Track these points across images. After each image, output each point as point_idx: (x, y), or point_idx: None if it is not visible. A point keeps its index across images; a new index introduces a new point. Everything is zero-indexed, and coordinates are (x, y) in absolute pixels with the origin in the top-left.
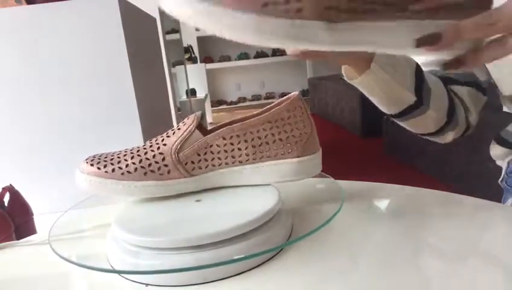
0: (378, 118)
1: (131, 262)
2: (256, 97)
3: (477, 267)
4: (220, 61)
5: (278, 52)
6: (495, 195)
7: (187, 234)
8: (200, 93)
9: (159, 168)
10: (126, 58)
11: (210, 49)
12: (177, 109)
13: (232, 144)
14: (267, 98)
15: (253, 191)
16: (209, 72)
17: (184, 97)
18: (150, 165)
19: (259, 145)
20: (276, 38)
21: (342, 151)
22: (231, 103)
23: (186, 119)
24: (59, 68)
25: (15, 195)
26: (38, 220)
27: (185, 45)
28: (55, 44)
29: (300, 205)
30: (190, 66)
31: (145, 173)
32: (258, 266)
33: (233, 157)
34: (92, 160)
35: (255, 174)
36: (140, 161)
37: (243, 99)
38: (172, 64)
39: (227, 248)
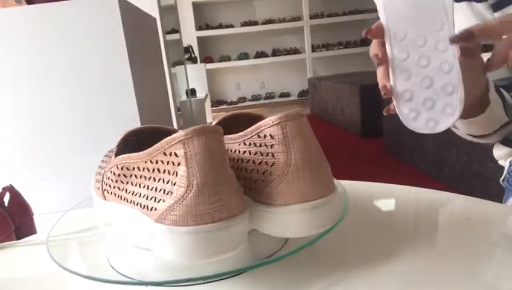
0: (378, 118)
1: (133, 263)
2: (256, 97)
3: (476, 266)
4: (220, 61)
5: (278, 52)
6: (495, 195)
7: None
8: (200, 93)
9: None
10: (126, 58)
11: (210, 49)
12: (177, 109)
13: (125, 175)
14: (267, 98)
15: None
16: (209, 72)
17: (184, 97)
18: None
19: (143, 187)
20: None
21: (341, 151)
22: (231, 103)
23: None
24: (59, 68)
25: (15, 195)
26: (38, 220)
27: (185, 45)
28: (55, 44)
29: None
30: (190, 66)
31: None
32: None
33: (126, 191)
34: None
35: (134, 219)
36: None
37: (242, 99)
38: (172, 64)
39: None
